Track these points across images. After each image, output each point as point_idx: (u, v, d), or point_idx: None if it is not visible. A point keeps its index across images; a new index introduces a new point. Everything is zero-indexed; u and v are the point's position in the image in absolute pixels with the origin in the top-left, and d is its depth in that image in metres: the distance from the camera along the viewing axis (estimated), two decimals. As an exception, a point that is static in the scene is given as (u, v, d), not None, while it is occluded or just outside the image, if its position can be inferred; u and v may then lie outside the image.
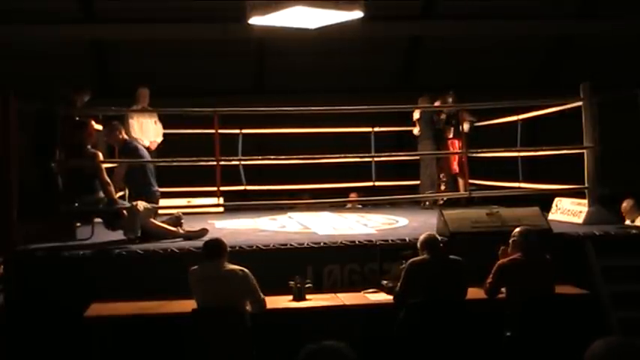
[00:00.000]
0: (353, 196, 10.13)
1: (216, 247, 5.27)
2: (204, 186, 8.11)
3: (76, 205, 6.74)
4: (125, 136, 7.33)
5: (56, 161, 6.80)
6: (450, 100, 9.99)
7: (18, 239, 6.19)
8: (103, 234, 6.80)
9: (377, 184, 10.00)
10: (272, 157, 8.24)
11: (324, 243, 6.43)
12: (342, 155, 8.29)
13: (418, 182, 9.98)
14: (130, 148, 7.16)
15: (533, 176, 9.01)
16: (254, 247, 6.20)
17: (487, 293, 5.49)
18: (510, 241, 5.53)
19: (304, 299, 5.72)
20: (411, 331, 5.17)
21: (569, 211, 7.66)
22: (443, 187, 10.03)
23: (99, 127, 7.75)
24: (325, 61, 12.42)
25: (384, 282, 5.96)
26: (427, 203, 9.78)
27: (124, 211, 6.74)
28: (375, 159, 9.70)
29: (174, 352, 5.39)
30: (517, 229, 5.56)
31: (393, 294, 5.50)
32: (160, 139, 8.90)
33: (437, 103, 9.99)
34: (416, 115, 9.87)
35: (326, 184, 9.90)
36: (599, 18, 12.54)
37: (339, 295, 5.93)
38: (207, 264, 5.22)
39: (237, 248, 5.98)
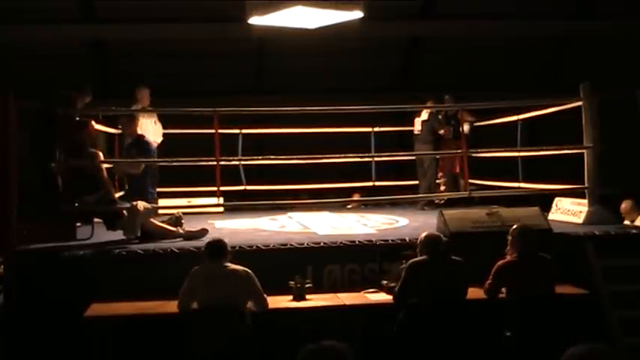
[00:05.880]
0: (356, 197, 10.14)
1: (218, 247, 5.27)
2: (204, 186, 8.11)
3: (76, 205, 6.74)
4: (140, 131, 7.37)
5: (56, 161, 6.80)
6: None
7: (18, 239, 6.19)
8: (103, 234, 6.80)
9: (377, 184, 9.99)
10: (272, 157, 8.24)
11: (324, 243, 6.43)
12: (342, 155, 8.28)
13: (418, 182, 9.99)
14: (143, 146, 7.15)
15: (533, 176, 9.00)
16: (254, 247, 6.20)
17: (487, 294, 5.49)
18: (508, 240, 5.53)
19: (304, 299, 5.72)
20: (411, 332, 5.17)
21: (569, 211, 7.66)
22: (443, 187, 10.02)
23: (99, 127, 7.76)
24: (325, 61, 12.43)
25: (384, 282, 5.95)
26: (418, 205, 9.76)
27: (124, 211, 6.74)
28: (375, 159, 9.70)
29: (174, 352, 5.40)
30: (513, 228, 5.56)
31: (393, 294, 5.49)
32: (159, 139, 8.89)
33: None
34: (424, 116, 9.86)
35: (326, 184, 9.90)
36: (599, 18, 12.54)
37: (339, 295, 5.93)
38: (209, 264, 5.22)
39: (237, 248, 5.98)
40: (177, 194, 9.11)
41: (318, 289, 5.97)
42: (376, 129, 10.05)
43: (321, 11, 7.50)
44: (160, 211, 7.29)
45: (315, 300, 5.75)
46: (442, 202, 9.61)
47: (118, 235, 6.75)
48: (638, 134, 7.95)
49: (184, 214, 7.41)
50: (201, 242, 5.99)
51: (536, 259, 5.45)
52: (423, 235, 5.53)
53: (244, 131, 9.71)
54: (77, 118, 7.21)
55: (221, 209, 8.79)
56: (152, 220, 6.89)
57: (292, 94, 11.55)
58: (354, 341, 5.01)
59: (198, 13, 11.51)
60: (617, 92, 7.79)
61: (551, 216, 7.66)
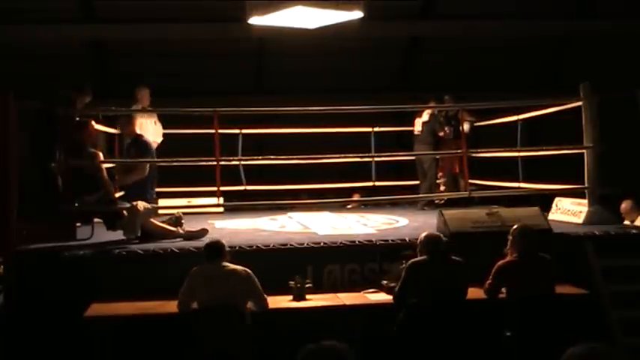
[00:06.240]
0: (356, 197, 10.13)
1: (216, 247, 5.29)
2: (204, 186, 8.11)
3: (76, 205, 6.73)
4: (139, 131, 7.38)
5: (56, 161, 6.79)
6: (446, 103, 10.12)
7: (18, 239, 6.19)
8: (103, 234, 6.80)
9: (377, 184, 9.99)
10: (272, 157, 8.24)
11: (324, 243, 6.43)
12: (342, 155, 8.29)
13: (418, 182, 9.99)
14: (141, 147, 7.16)
15: (533, 176, 9.00)
16: (254, 247, 6.21)
17: (487, 294, 5.49)
18: (508, 240, 5.53)
19: (304, 299, 5.72)
20: (411, 332, 5.17)
21: (569, 211, 7.66)
22: (443, 187, 10.02)
23: (99, 127, 7.76)
24: (325, 61, 12.43)
25: (384, 282, 5.95)
26: (418, 205, 9.77)
27: (124, 211, 6.74)
28: (375, 159, 9.70)
29: (175, 352, 5.40)
30: (514, 228, 5.56)
31: (393, 294, 5.49)
32: (159, 139, 8.89)
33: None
34: (425, 117, 9.87)
35: (326, 184, 9.90)
36: (599, 18, 12.54)
37: (339, 295, 5.93)
38: (208, 265, 5.23)
39: (237, 248, 5.98)
40: (177, 194, 9.11)
41: (318, 289, 5.97)
42: (376, 129, 10.05)
43: (321, 11, 7.50)
44: (160, 211, 7.29)
45: (315, 300, 5.75)
46: (442, 202, 9.62)
47: (118, 235, 6.74)
48: (638, 134, 7.95)
49: (184, 214, 7.41)
50: (201, 242, 5.99)
51: (536, 259, 5.44)
52: (423, 235, 5.53)
53: (244, 131, 9.71)
54: (77, 118, 7.20)
55: (221, 209, 8.78)
56: (152, 220, 6.89)
57: (292, 94, 11.55)
58: (354, 341, 5.01)
59: (198, 13, 11.51)
60: (617, 92, 7.78)
61: (551, 216, 7.66)
